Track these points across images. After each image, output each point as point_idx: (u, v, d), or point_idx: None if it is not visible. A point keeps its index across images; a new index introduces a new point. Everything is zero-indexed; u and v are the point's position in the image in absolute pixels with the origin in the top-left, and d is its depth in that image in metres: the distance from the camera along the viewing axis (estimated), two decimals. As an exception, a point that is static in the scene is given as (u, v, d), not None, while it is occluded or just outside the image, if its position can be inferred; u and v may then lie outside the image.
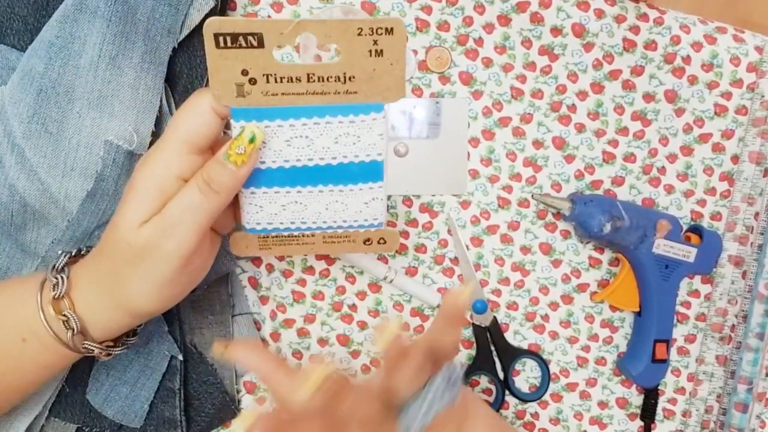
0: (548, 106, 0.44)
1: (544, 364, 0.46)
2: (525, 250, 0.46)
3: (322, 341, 0.46)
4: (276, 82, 0.31)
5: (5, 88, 0.37)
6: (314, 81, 0.31)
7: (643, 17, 0.43)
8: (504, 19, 0.43)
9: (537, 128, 0.44)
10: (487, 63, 0.44)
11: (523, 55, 0.44)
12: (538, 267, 0.46)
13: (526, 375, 0.47)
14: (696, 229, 0.45)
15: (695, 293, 0.47)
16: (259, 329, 0.45)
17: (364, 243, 0.37)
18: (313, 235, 0.36)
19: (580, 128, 0.45)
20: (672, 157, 0.45)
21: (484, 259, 0.45)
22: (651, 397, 0.46)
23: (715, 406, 0.47)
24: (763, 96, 0.45)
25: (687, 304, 0.47)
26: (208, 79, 0.40)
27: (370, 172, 0.34)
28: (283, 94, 0.31)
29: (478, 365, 0.46)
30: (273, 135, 0.32)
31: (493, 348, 0.46)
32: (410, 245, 0.45)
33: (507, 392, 0.46)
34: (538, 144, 0.45)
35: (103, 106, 0.37)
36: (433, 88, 0.44)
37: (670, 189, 0.46)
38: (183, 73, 0.40)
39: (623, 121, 0.45)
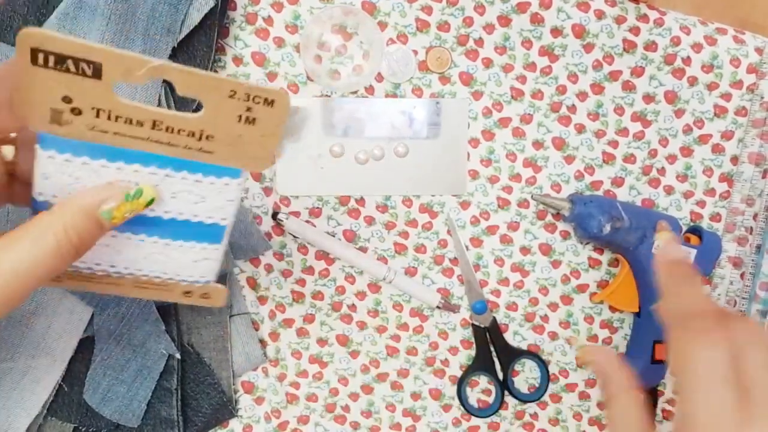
0: (548, 106, 0.44)
1: (543, 365, 0.46)
2: (524, 250, 0.46)
3: (322, 341, 0.45)
4: (109, 119, 0.25)
5: (4, 86, 0.37)
6: (161, 129, 0.26)
7: (644, 18, 0.43)
8: (504, 20, 0.43)
9: (537, 129, 0.44)
10: (488, 63, 0.44)
11: (524, 55, 0.44)
12: (538, 268, 0.46)
13: (525, 375, 0.47)
14: (695, 230, 0.45)
15: (694, 294, 0.47)
16: (257, 329, 0.45)
17: (184, 294, 0.32)
18: (122, 277, 0.30)
19: (580, 129, 0.45)
20: (671, 158, 0.45)
21: (483, 260, 0.45)
22: (650, 397, 0.46)
23: (714, 408, 0.47)
24: (762, 97, 0.45)
25: (686, 305, 0.47)
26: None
27: (208, 233, 0.30)
28: (116, 133, 0.26)
29: (478, 365, 0.46)
30: (93, 174, 0.27)
31: (492, 348, 0.46)
32: (410, 245, 0.45)
33: (506, 393, 0.46)
34: (538, 144, 0.45)
35: (102, 105, 0.37)
36: (434, 88, 0.44)
37: (669, 190, 0.46)
38: (182, 72, 0.40)
39: (623, 122, 0.45)
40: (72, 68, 0.23)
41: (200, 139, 0.26)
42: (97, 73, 0.24)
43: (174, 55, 0.39)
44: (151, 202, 0.27)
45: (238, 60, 0.42)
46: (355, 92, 0.43)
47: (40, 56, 0.23)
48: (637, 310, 0.45)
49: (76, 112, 0.25)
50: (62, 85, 0.24)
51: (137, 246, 0.29)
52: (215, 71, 0.42)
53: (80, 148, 0.26)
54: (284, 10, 0.42)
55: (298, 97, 0.43)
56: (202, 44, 0.40)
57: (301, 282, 0.45)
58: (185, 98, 0.40)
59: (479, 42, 0.43)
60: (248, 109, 0.26)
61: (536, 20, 0.43)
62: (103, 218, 0.26)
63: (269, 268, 0.44)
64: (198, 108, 0.30)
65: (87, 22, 0.36)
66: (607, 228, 0.42)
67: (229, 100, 0.25)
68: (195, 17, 0.39)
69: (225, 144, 0.27)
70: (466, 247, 0.45)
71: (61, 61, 0.23)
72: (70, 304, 0.40)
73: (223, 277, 0.43)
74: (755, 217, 0.45)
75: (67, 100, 0.24)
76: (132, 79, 0.24)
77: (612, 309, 0.47)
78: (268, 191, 0.43)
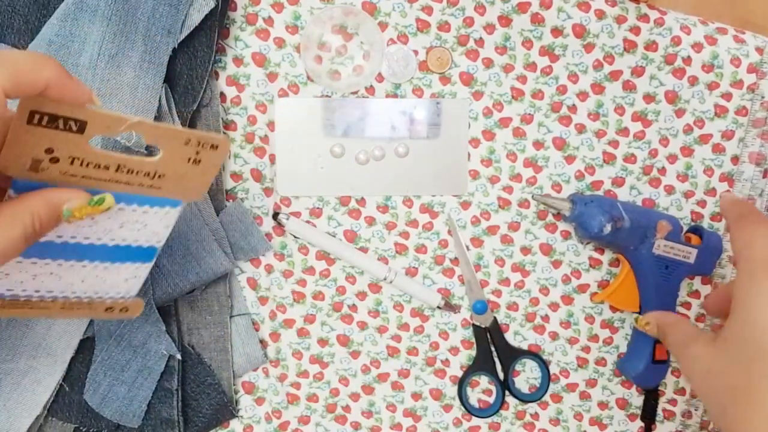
0: (549, 106, 0.44)
1: (544, 365, 0.46)
2: (525, 250, 0.46)
3: (322, 341, 0.45)
4: (81, 165, 0.28)
5: (4, 87, 0.37)
6: (123, 172, 0.29)
7: (644, 18, 0.43)
8: (505, 20, 0.43)
9: (537, 129, 0.44)
10: (488, 63, 0.44)
11: (524, 55, 0.44)
12: (539, 268, 0.46)
13: (526, 375, 0.47)
14: (696, 230, 0.45)
15: (695, 294, 0.47)
16: (258, 329, 0.45)
17: (105, 310, 0.34)
18: (54, 300, 0.32)
19: (581, 129, 0.45)
20: (672, 158, 0.45)
21: (484, 260, 0.45)
22: (651, 397, 0.46)
23: (715, 408, 0.46)
24: (763, 97, 0.45)
25: (687, 305, 0.47)
26: (207, 81, 0.41)
27: (143, 254, 0.33)
28: (83, 177, 0.28)
29: (478, 366, 0.46)
30: None
31: (493, 348, 0.46)
32: (410, 246, 0.45)
33: (507, 393, 0.46)
34: (538, 144, 0.45)
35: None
36: (434, 88, 0.44)
37: (670, 189, 0.46)
38: (183, 73, 0.40)
39: (623, 122, 0.45)
40: (61, 126, 0.26)
41: (153, 177, 0.30)
42: (81, 129, 0.26)
43: (174, 57, 0.39)
44: (108, 209, 0.29)
45: (238, 60, 0.42)
46: (356, 92, 0.43)
47: (36, 117, 0.25)
48: (637, 309, 0.45)
49: (54, 160, 0.27)
50: (48, 138, 0.26)
51: (78, 271, 0.31)
52: (216, 72, 0.42)
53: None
54: (284, 10, 0.42)
55: (298, 97, 0.43)
56: (202, 45, 0.40)
57: (302, 282, 0.45)
58: (185, 96, 0.40)
59: (480, 42, 0.43)
60: (197, 153, 0.30)
61: (537, 20, 0.43)
62: (63, 214, 0.27)
63: (270, 269, 0.44)
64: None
65: (87, 23, 0.36)
66: (608, 228, 0.42)
67: (184, 147, 0.29)
68: (195, 18, 0.39)
69: (173, 181, 0.30)
70: (467, 247, 0.45)
71: (52, 119, 0.26)
72: (70, 304, 0.40)
73: (224, 278, 0.43)
74: (756, 216, 0.45)
75: (48, 151, 0.27)
76: (110, 133, 0.27)
77: (613, 309, 0.47)
78: (268, 192, 0.44)
